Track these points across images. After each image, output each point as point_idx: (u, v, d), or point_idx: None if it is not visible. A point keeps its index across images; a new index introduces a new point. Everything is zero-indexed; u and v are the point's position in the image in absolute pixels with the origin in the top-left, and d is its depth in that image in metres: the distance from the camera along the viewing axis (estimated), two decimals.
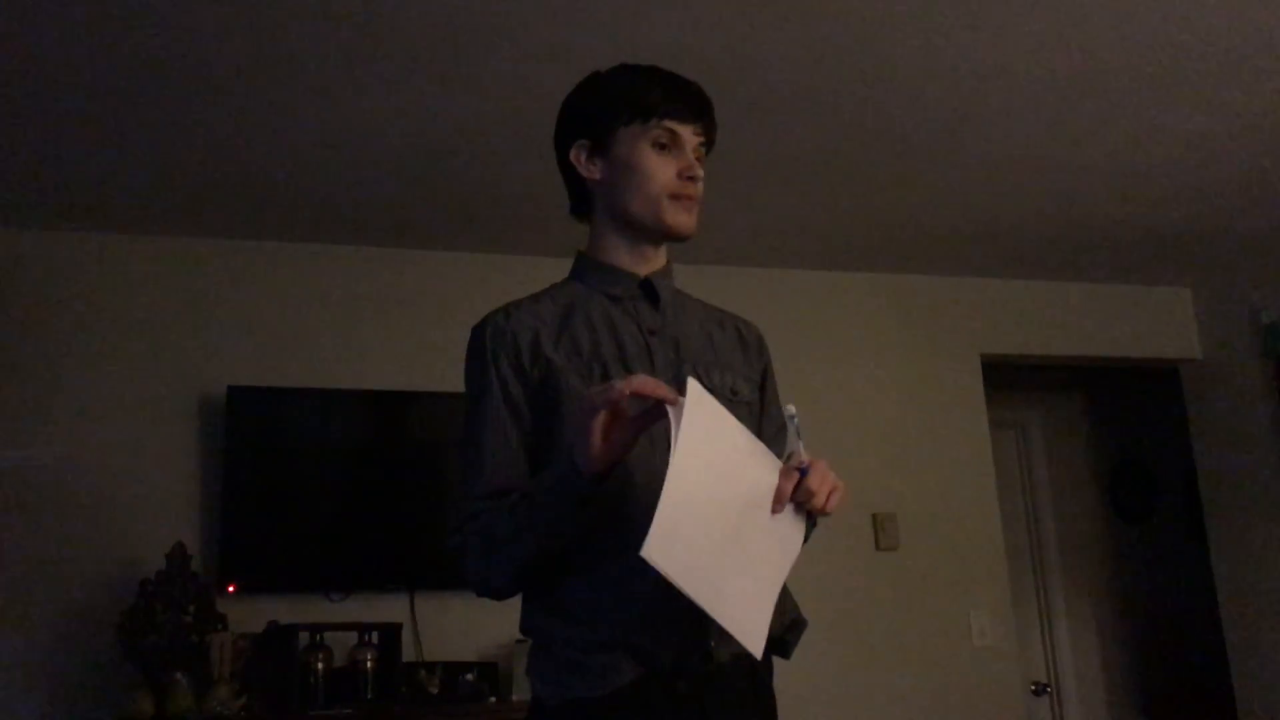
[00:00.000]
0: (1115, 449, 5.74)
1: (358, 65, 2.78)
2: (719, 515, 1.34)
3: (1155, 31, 2.79)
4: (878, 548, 4.22)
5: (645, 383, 1.30)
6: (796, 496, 1.42)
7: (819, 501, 1.42)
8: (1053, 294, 4.69)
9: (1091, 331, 4.70)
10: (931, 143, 3.35)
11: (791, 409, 1.49)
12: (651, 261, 1.65)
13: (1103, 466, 5.71)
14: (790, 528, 1.44)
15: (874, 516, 4.23)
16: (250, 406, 3.61)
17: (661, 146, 1.59)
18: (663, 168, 1.58)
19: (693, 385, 1.32)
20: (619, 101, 1.61)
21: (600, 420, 1.31)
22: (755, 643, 1.39)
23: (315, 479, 3.68)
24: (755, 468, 1.41)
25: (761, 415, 1.67)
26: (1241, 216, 4.05)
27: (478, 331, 1.60)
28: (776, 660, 1.59)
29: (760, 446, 1.44)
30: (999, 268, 4.52)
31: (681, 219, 1.60)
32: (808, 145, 3.34)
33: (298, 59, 2.74)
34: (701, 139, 1.63)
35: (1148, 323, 4.78)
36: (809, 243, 4.16)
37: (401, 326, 3.91)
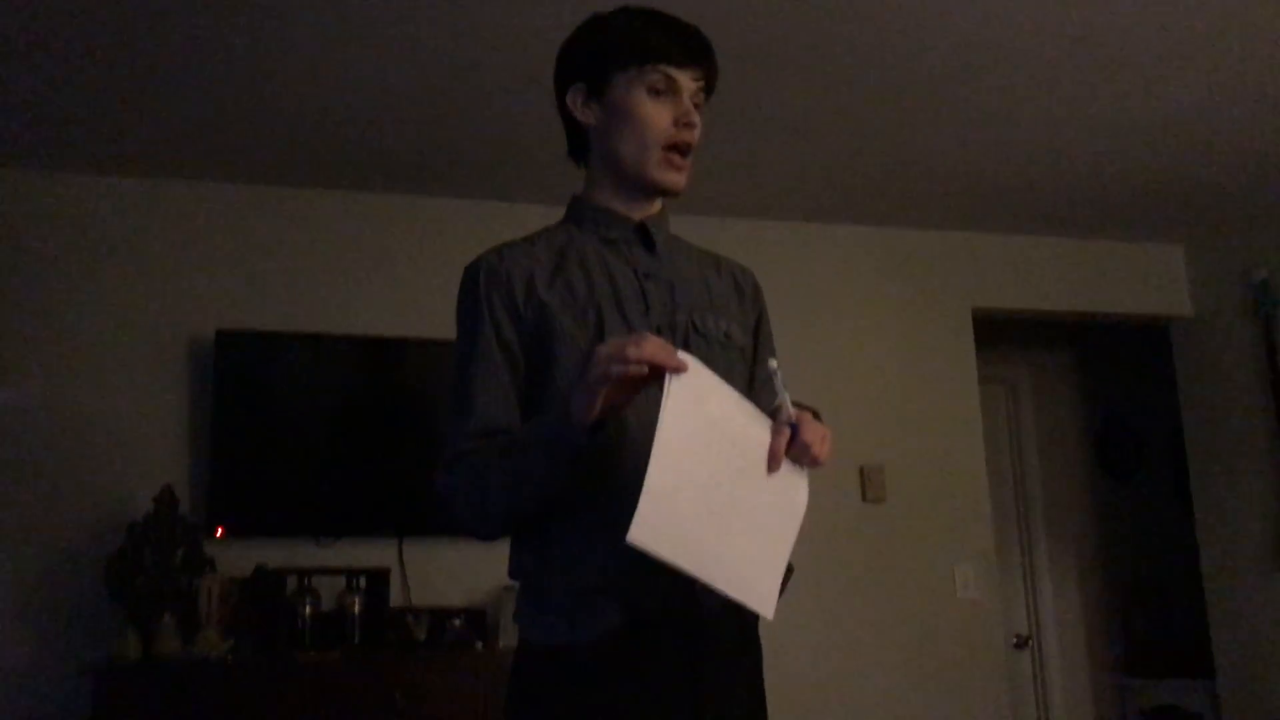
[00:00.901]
0: (1103, 406, 5.76)
1: (353, 7, 2.74)
2: (713, 485, 1.34)
3: None
4: (864, 499, 4.24)
5: (656, 352, 1.28)
6: (792, 453, 1.41)
7: (815, 452, 1.42)
8: (1045, 249, 4.68)
9: (1083, 287, 4.70)
10: (926, 95, 3.33)
11: (773, 364, 1.46)
12: (646, 207, 1.64)
13: (1090, 423, 5.74)
14: (791, 484, 1.44)
15: (861, 469, 4.25)
16: (239, 350, 3.60)
17: (657, 92, 1.56)
18: (658, 114, 1.56)
19: (682, 356, 1.31)
20: (616, 45, 1.58)
21: (607, 389, 1.30)
22: (765, 604, 1.40)
23: (304, 424, 3.67)
24: (750, 431, 1.41)
25: (754, 361, 1.67)
26: (1235, 175, 4.04)
27: (471, 271, 1.58)
28: None
29: (754, 410, 1.43)
30: (991, 222, 4.50)
31: (670, 176, 1.58)
32: (801, 96, 3.31)
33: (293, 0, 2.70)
34: (700, 84, 1.59)
35: (1139, 279, 4.78)
36: (801, 195, 4.13)
37: (393, 273, 3.89)
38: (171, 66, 3.01)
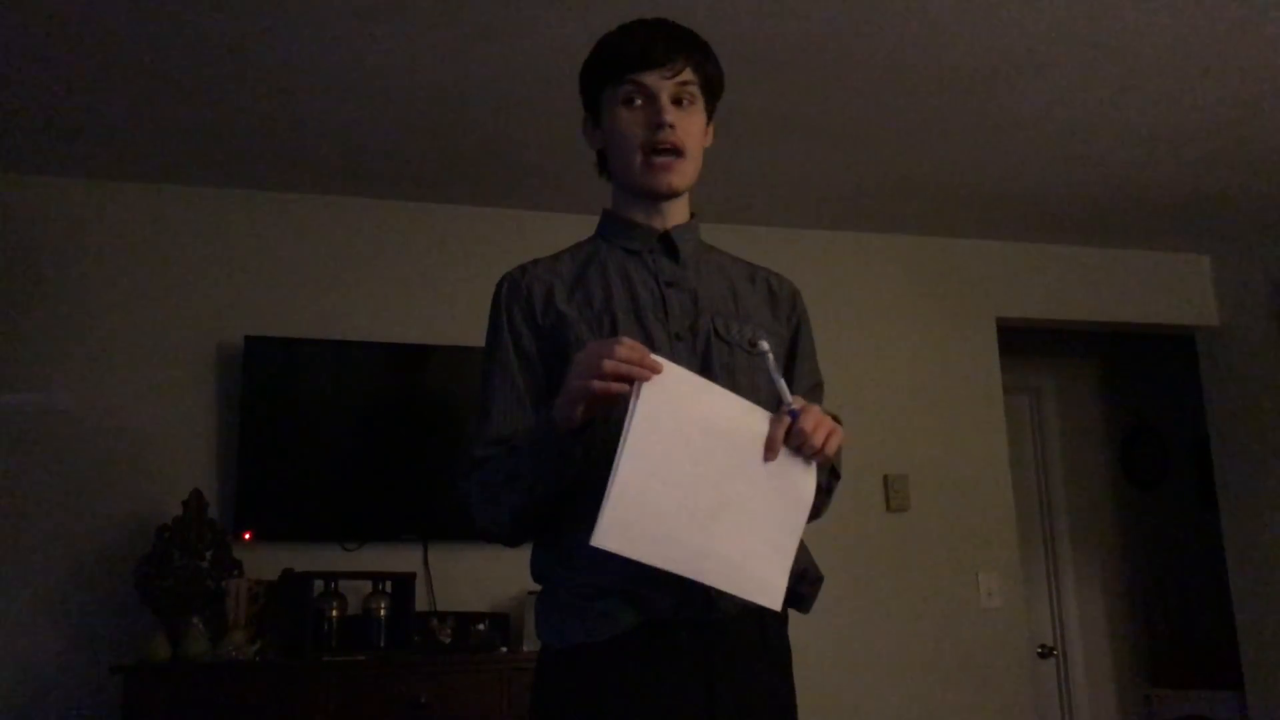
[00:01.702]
0: (1128, 414, 5.73)
1: (381, 15, 2.77)
2: (695, 482, 1.36)
3: None
4: (888, 509, 4.24)
5: (629, 357, 1.33)
6: (790, 442, 1.42)
7: (816, 442, 1.42)
8: (1071, 258, 4.67)
9: (1109, 296, 4.69)
10: (953, 102, 3.33)
11: (764, 345, 1.48)
12: (671, 215, 1.66)
13: (1115, 432, 5.71)
14: (794, 475, 1.44)
15: (885, 477, 4.25)
16: (267, 356, 3.64)
17: (631, 102, 1.59)
18: (632, 124, 1.59)
19: (655, 360, 1.36)
20: (596, 67, 1.63)
21: (586, 402, 1.36)
22: (771, 597, 1.41)
23: (331, 430, 3.71)
24: (742, 426, 1.42)
25: (791, 370, 1.68)
26: (1263, 185, 4.02)
27: (497, 287, 1.65)
28: (792, 615, 1.61)
29: (747, 404, 1.45)
30: (1017, 231, 4.49)
31: (656, 178, 1.60)
32: (826, 102, 3.32)
33: (319, 7, 2.73)
34: (677, 79, 1.58)
35: (1166, 288, 4.76)
36: (826, 203, 4.14)
37: (419, 280, 3.92)
38: (204, 74, 3.05)
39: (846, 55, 3.04)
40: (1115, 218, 4.36)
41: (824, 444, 1.42)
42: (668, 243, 1.65)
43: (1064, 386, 5.65)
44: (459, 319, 3.73)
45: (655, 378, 1.34)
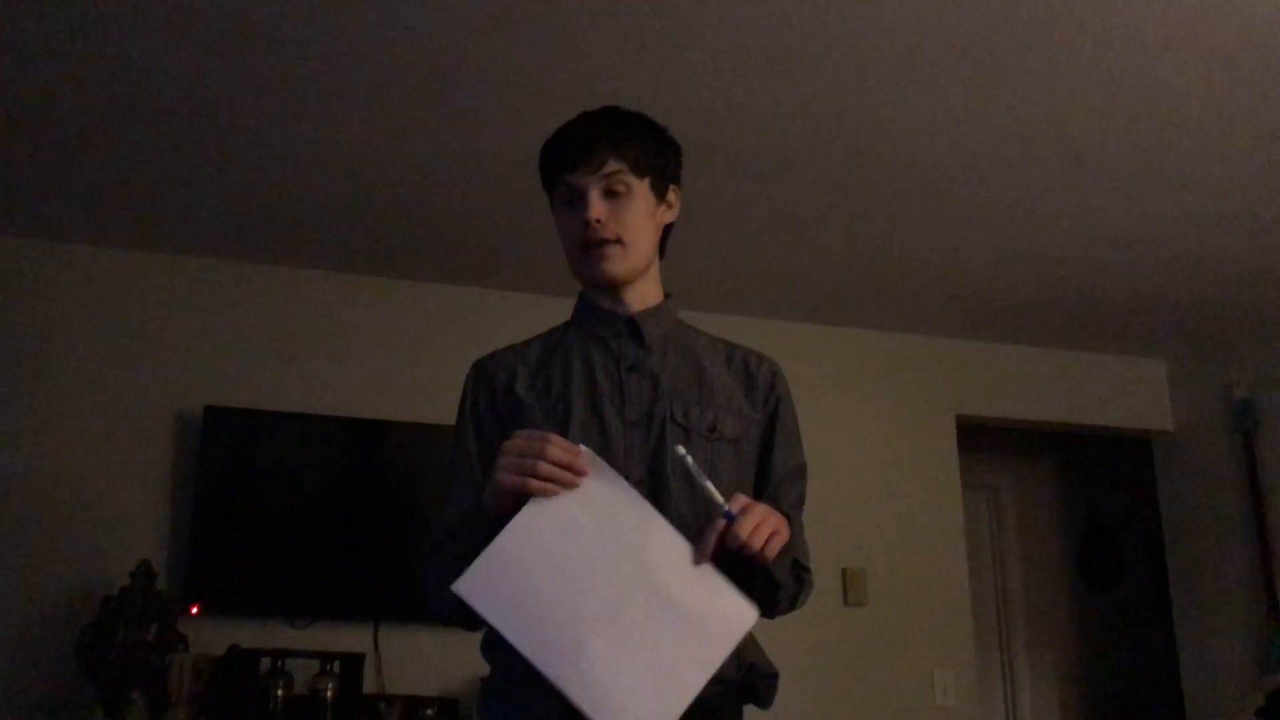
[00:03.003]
0: (1085, 515, 5.76)
1: (352, 95, 2.80)
2: (584, 583, 1.37)
3: (1144, 106, 2.85)
4: (846, 603, 4.22)
5: (559, 458, 1.39)
6: (729, 544, 1.39)
7: (754, 546, 1.38)
8: (1031, 359, 4.73)
9: (1067, 398, 4.74)
10: (916, 201, 3.39)
11: (679, 450, 1.47)
12: (635, 300, 1.67)
13: (1072, 532, 5.74)
14: (720, 609, 1.40)
15: (843, 571, 4.23)
16: (226, 427, 3.60)
17: (569, 203, 1.63)
18: (568, 225, 1.63)
19: (584, 452, 1.41)
20: (540, 172, 1.68)
21: (515, 496, 1.41)
22: None
23: (287, 503, 3.66)
24: (660, 550, 1.40)
25: (769, 452, 1.67)
26: (1220, 292, 4.10)
27: (468, 373, 1.69)
28: (750, 711, 1.60)
29: (675, 535, 1.42)
30: (978, 330, 4.55)
31: (592, 270, 1.63)
32: (790, 198, 3.37)
33: (292, 83, 2.76)
34: (600, 172, 1.60)
35: (1122, 392, 4.82)
36: (786, 295, 4.18)
37: (381, 355, 3.91)
38: (168, 142, 3.06)
39: (814, 156, 3.09)
40: (1074, 320, 4.42)
41: (764, 546, 1.39)
42: (633, 327, 1.66)
43: (1022, 485, 5.68)
44: (419, 395, 3.71)
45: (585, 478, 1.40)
